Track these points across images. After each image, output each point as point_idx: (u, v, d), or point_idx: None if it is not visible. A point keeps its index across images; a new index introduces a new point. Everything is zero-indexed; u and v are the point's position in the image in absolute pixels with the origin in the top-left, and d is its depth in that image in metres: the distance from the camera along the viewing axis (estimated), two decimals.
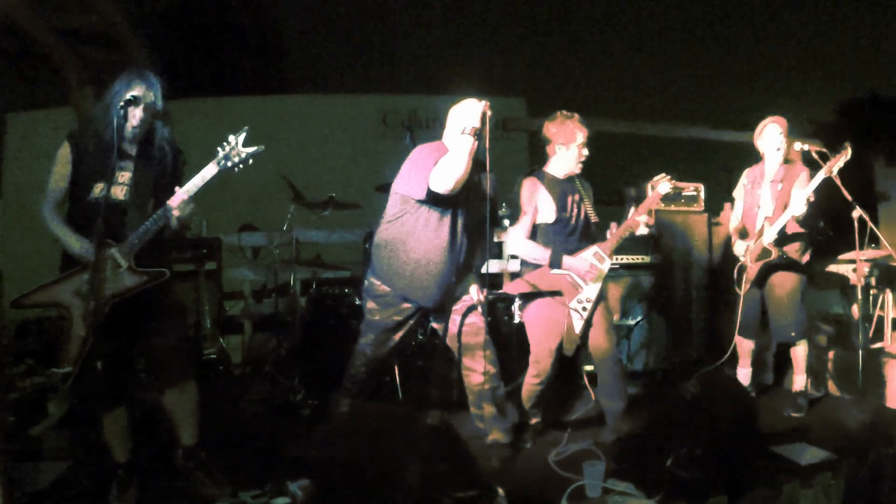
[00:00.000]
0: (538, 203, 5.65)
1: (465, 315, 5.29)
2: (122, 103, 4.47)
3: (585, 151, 5.69)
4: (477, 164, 5.19)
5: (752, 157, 6.89)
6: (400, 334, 5.38)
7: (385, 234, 5.29)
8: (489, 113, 4.90)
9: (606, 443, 5.56)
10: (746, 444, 4.78)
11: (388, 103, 15.50)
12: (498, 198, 5.58)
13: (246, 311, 9.15)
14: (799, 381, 6.60)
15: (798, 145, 6.50)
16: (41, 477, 4.98)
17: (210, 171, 4.60)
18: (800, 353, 6.55)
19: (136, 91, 4.53)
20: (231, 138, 4.63)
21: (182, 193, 4.50)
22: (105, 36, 7.67)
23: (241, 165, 4.65)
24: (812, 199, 6.13)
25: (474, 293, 5.37)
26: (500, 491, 4.46)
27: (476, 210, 5.19)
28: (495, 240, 9.17)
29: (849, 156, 6.15)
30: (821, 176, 6.13)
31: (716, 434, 4.59)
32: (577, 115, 5.69)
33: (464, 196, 5.04)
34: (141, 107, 4.56)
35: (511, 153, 15.93)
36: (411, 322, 5.39)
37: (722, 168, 9.35)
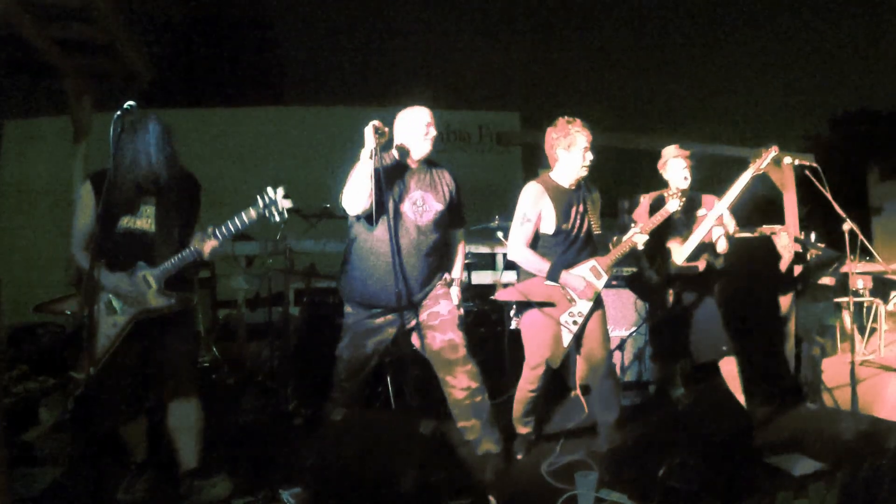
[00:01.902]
0: (542, 211, 5.55)
1: (441, 331, 5.28)
2: (137, 145, 4.72)
3: (590, 156, 5.54)
4: (429, 164, 5.34)
5: (744, 168, 6.84)
6: (374, 340, 5.34)
7: (348, 243, 5.43)
8: (385, 130, 4.95)
9: (599, 453, 5.56)
10: (739, 455, 4.78)
11: (383, 116, 15.48)
12: (460, 200, 5.52)
13: (239, 319, 9.14)
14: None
15: (789, 159, 6.49)
16: (34, 483, 4.98)
17: (246, 218, 4.78)
18: (734, 368, 6.16)
19: (147, 134, 4.74)
20: (270, 191, 4.75)
21: (213, 240, 4.77)
22: (104, 47, 7.67)
23: (277, 218, 4.79)
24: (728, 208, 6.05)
25: (453, 300, 5.38)
26: (493, 500, 4.47)
27: (426, 213, 5.23)
28: (488, 251, 9.18)
29: (776, 153, 5.94)
30: (747, 175, 5.99)
31: (709, 444, 4.60)
32: (578, 120, 5.57)
33: (403, 201, 5.10)
34: (153, 149, 4.74)
35: (506, 167, 16.01)
36: (385, 328, 5.36)
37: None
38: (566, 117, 5.63)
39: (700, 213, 6.26)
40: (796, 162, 6.40)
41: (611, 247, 5.68)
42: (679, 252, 6.19)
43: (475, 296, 8.13)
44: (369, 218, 5.08)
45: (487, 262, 9.60)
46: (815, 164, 6.30)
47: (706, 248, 6.21)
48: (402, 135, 5.17)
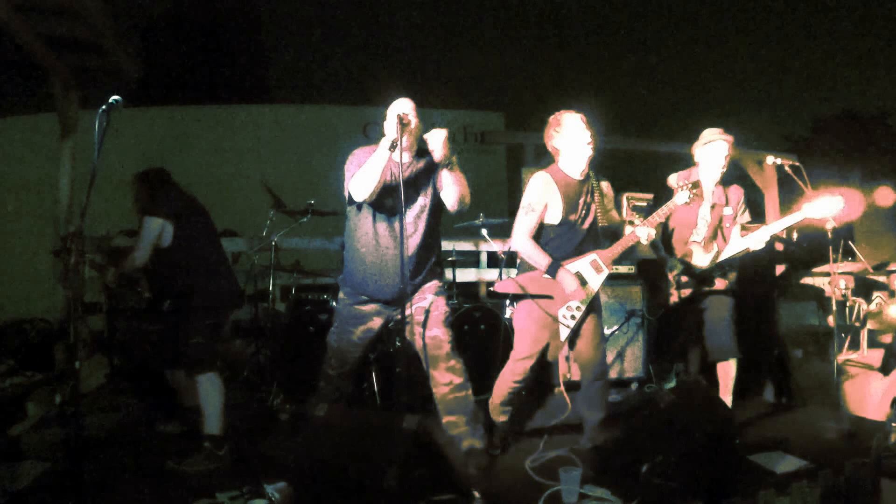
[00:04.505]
0: (549, 202, 5.51)
1: (427, 327, 5.31)
2: None
3: (588, 134, 5.50)
4: (422, 155, 5.31)
5: (735, 173, 6.85)
6: (362, 328, 5.38)
7: (345, 232, 5.46)
8: (413, 120, 4.95)
9: (583, 449, 5.59)
10: (722, 452, 4.80)
11: (369, 114, 15.58)
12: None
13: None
14: (728, 402, 6.33)
15: (771, 159, 6.50)
16: (20, 477, 4.99)
17: None
18: (732, 370, 6.31)
19: None
20: None
21: None
22: (92, 44, 7.66)
23: None
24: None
25: (436, 297, 5.40)
26: (477, 494, 4.48)
27: (415, 205, 5.24)
28: (472, 248, 9.20)
29: (842, 205, 5.91)
30: (799, 216, 6.00)
31: (692, 442, 4.62)
32: (565, 110, 5.61)
33: (401, 195, 4.98)
34: None
35: (489, 167, 16.03)
36: (373, 317, 5.40)
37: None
38: (555, 114, 5.65)
39: (726, 211, 6.27)
40: (778, 161, 6.40)
41: (626, 229, 5.66)
42: (701, 258, 6.20)
43: (459, 293, 8.14)
44: (371, 206, 5.14)
45: (472, 260, 9.63)
46: (797, 163, 6.31)
47: (728, 262, 6.26)
48: (387, 127, 5.13)
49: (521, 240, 5.58)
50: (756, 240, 6.04)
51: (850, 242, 6.45)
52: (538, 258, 5.49)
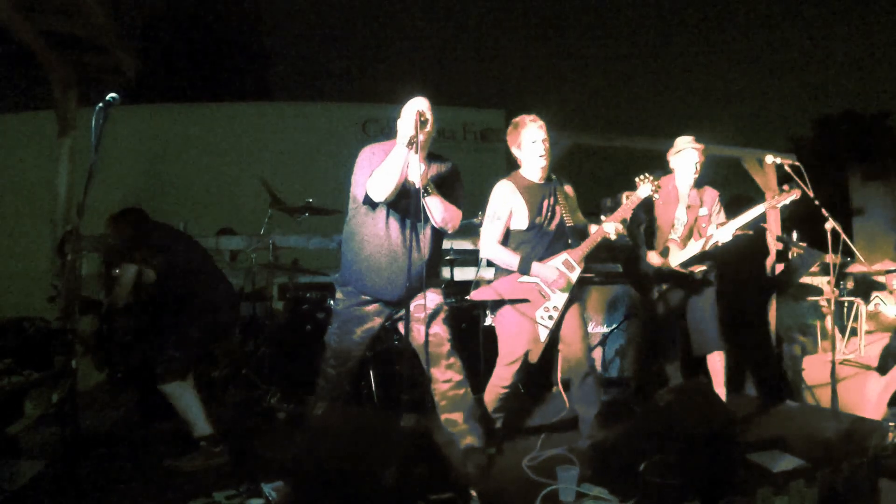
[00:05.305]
0: (512, 208, 5.62)
1: (427, 324, 5.24)
2: None
3: (540, 148, 5.62)
4: (433, 157, 5.30)
5: (730, 170, 6.85)
6: (363, 327, 5.31)
7: (345, 231, 5.39)
8: (428, 117, 4.83)
9: (580, 448, 5.58)
10: (720, 451, 4.80)
11: (368, 112, 15.54)
12: (462, 196, 5.40)
13: None
14: (721, 394, 6.39)
15: (770, 158, 6.53)
16: (18, 476, 4.99)
17: None
18: (721, 363, 6.43)
19: None
20: None
21: None
22: (91, 41, 7.66)
23: None
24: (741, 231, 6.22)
25: (435, 297, 5.37)
26: (475, 493, 4.48)
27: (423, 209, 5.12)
28: (471, 247, 9.20)
29: (797, 197, 6.11)
30: (761, 208, 6.14)
31: (690, 440, 4.62)
32: (525, 117, 5.75)
33: (413, 195, 4.91)
34: None
35: (489, 164, 15.99)
36: (374, 317, 5.34)
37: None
38: (516, 118, 5.82)
39: (702, 211, 6.41)
40: (778, 160, 6.44)
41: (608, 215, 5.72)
42: (676, 255, 6.30)
43: (457, 292, 8.13)
44: (386, 206, 5.07)
45: (470, 259, 9.61)
46: (797, 163, 6.33)
47: (703, 254, 6.34)
48: (402, 124, 4.98)
49: (489, 246, 5.72)
50: (723, 233, 6.22)
51: (849, 241, 6.43)
52: (509, 259, 5.61)
